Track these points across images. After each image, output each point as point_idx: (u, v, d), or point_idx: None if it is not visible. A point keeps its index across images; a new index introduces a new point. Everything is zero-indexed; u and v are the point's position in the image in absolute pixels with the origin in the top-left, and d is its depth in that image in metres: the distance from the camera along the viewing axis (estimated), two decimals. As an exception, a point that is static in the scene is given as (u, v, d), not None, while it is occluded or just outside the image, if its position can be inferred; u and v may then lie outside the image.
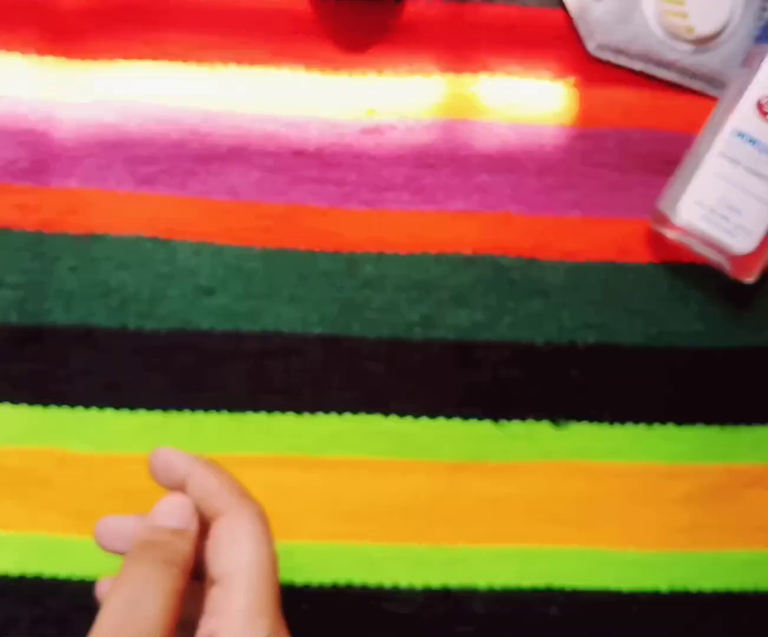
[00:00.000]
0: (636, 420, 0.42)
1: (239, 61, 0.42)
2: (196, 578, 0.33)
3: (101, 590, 0.35)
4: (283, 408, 0.41)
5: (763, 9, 0.42)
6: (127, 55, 0.41)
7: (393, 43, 0.42)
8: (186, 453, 0.34)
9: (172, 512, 0.33)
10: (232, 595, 0.31)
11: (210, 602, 0.31)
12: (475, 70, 0.42)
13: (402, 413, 0.42)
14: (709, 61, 0.42)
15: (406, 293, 0.42)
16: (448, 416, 0.42)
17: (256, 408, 0.41)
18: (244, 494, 0.34)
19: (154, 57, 0.42)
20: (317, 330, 0.42)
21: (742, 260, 0.41)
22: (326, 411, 0.41)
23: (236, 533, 0.32)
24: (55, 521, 0.41)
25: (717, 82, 0.43)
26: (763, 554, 0.42)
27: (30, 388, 0.41)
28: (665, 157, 0.43)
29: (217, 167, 0.41)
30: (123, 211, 0.41)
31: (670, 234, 0.41)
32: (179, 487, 0.34)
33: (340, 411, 0.41)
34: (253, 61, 0.42)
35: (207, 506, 0.33)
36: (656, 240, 0.43)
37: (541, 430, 0.42)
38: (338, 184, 0.42)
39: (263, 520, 0.33)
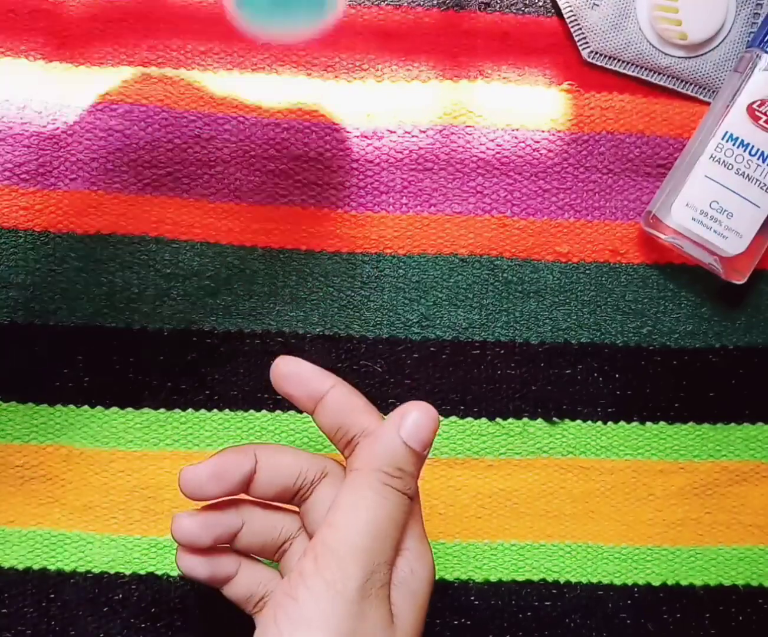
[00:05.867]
0: (628, 418, 0.43)
1: (242, 67, 0.42)
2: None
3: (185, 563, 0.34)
4: (285, 407, 0.42)
5: (755, 14, 0.43)
6: (131, 61, 0.41)
7: (391, 50, 0.42)
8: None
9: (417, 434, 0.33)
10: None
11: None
12: (471, 77, 0.42)
13: (400, 410, 0.42)
14: (701, 66, 0.42)
15: (404, 293, 0.42)
16: (445, 414, 0.42)
17: (258, 407, 0.42)
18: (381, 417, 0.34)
19: (158, 63, 0.41)
20: (317, 330, 0.42)
21: (733, 262, 0.41)
22: (326, 409, 0.42)
23: None
24: (61, 517, 0.41)
25: (709, 87, 0.43)
26: (753, 550, 0.42)
27: (36, 386, 0.41)
28: (658, 160, 0.43)
29: (220, 171, 0.42)
30: (128, 213, 0.41)
31: (662, 236, 0.41)
32: (310, 399, 0.33)
33: (339, 409, 0.42)
34: (255, 67, 0.42)
35: (349, 423, 0.33)
36: (648, 242, 0.43)
37: (536, 428, 0.42)
38: (338, 187, 0.42)
39: None
